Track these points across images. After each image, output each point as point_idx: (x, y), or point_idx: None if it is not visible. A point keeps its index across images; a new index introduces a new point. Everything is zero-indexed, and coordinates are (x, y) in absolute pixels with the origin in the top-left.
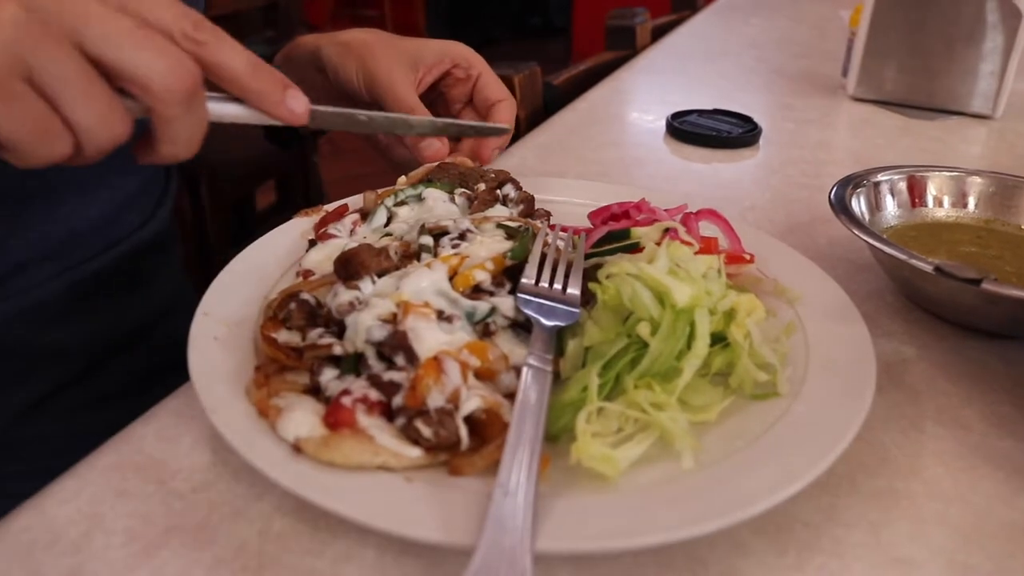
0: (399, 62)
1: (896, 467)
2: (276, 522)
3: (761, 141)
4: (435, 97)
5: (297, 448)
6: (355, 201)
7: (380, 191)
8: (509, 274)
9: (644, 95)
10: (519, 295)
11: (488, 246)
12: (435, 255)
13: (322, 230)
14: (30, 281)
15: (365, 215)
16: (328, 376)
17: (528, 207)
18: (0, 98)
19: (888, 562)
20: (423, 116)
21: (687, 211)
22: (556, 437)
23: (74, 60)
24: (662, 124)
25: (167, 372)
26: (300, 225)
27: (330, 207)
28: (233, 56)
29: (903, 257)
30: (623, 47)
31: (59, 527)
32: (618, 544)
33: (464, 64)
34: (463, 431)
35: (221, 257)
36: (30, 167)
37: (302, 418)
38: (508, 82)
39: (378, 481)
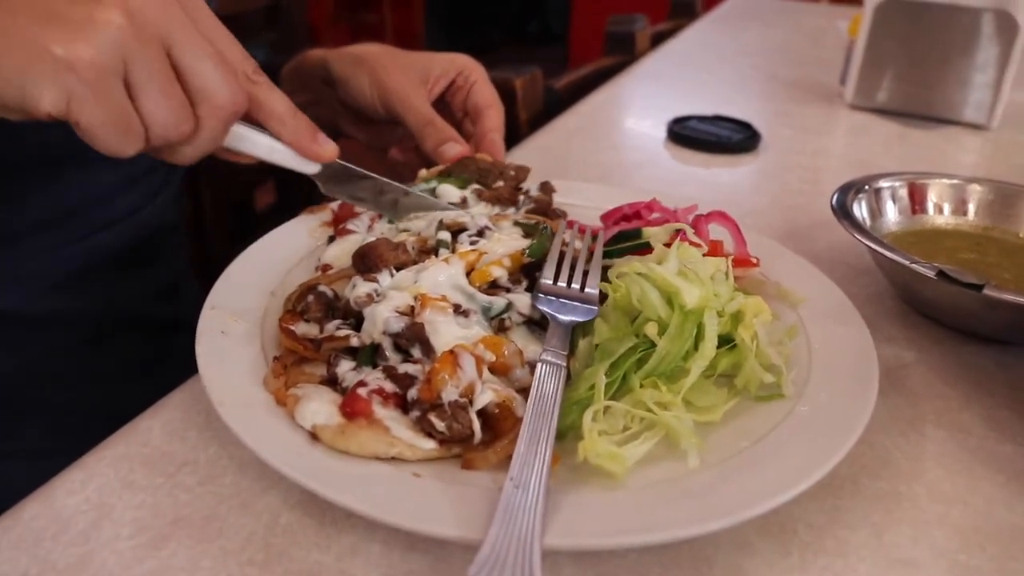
0: (411, 75)
1: (897, 470)
2: (283, 515)
3: (760, 147)
4: (441, 108)
5: (314, 436)
6: None
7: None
8: (526, 271)
9: (644, 100)
10: (538, 295)
11: (506, 243)
12: (452, 251)
13: (341, 226)
14: (24, 251)
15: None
16: (345, 367)
17: (540, 207)
18: (98, 94)
19: (891, 563)
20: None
21: (697, 213)
22: (563, 435)
23: (161, 61)
24: (662, 129)
25: (167, 358)
26: (306, 222)
27: (335, 204)
28: (278, 99)
29: (905, 262)
30: (623, 53)
31: (68, 517)
32: (623, 541)
33: (464, 73)
34: (476, 425)
35: (221, 256)
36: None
37: (319, 407)
38: (509, 85)
39: (387, 476)
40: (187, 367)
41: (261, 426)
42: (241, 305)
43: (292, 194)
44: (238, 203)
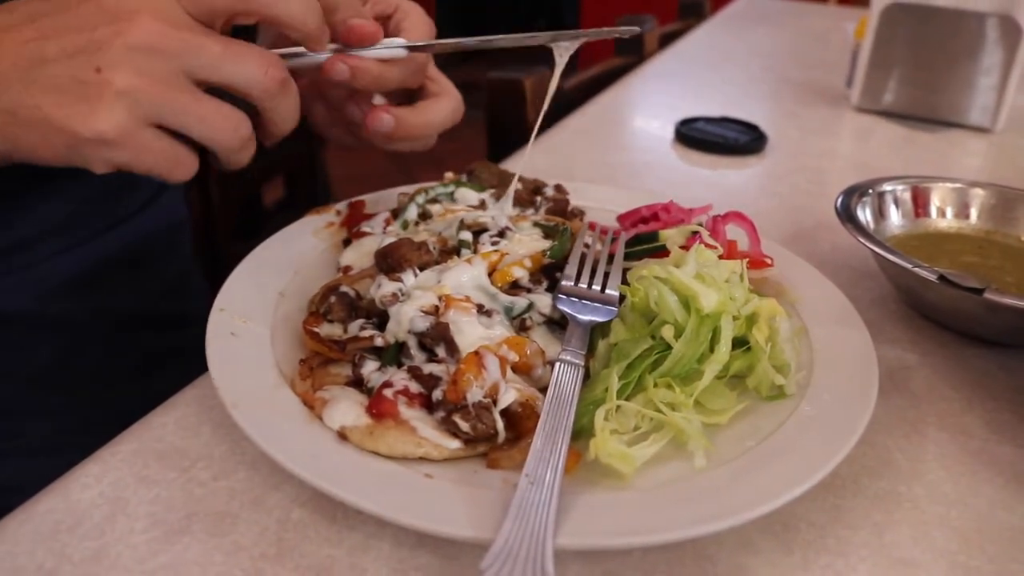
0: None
1: (899, 470)
2: (295, 511)
3: (766, 149)
4: None
5: (343, 436)
6: (370, 198)
7: (413, 189)
8: (546, 272)
9: (652, 101)
10: (559, 295)
11: (526, 244)
12: (474, 251)
13: (355, 228)
14: (34, 256)
15: (396, 214)
16: (370, 368)
17: (558, 206)
18: (139, 150)
19: (892, 563)
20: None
21: (714, 214)
22: (579, 435)
23: (186, 96)
24: (670, 130)
25: (174, 356)
26: (312, 223)
27: (339, 206)
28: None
29: (908, 266)
30: (631, 53)
31: (83, 510)
32: (632, 541)
33: (401, 13)
34: (500, 424)
35: (228, 250)
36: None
37: (347, 408)
38: (519, 85)
39: (401, 477)
40: (196, 363)
41: (276, 428)
42: (249, 307)
43: (299, 190)
44: (246, 199)
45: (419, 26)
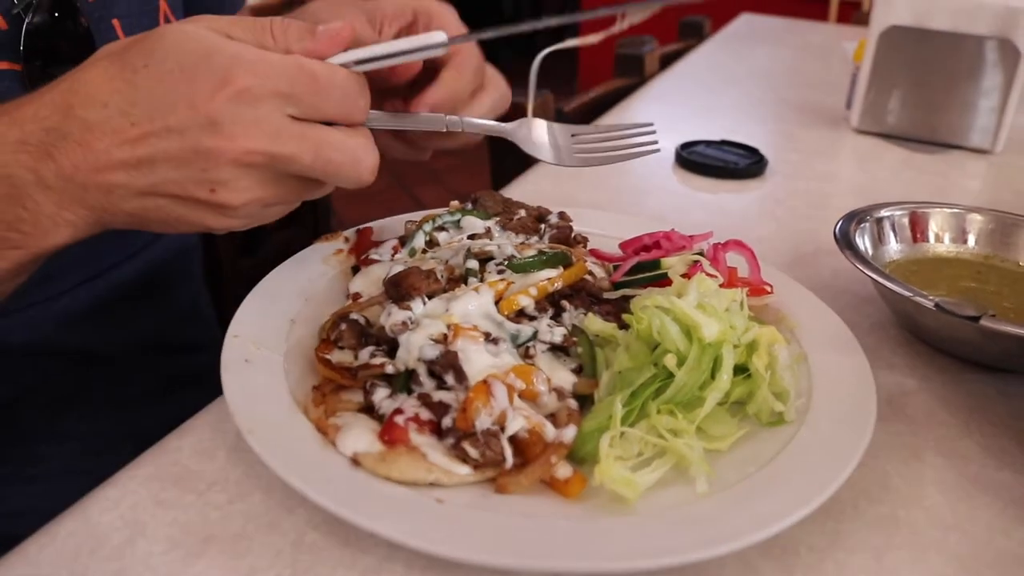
0: (354, 17)
1: (897, 495)
2: (309, 534)
3: (767, 172)
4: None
5: (356, 462)
6: (378, 225)
7: (421, 217)
8: (551, 300)
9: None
10: None
11: (532, 273)
12: (481, 279)
13: (364, 256)
14: (55, 290)
15: (404, 241)
16: (381, 395)
17: (561, 233)
18: (263, 218)
19: None
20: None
21: (715, 242)
22: (583, 461)
23: (303, 151)
24: (671, 153)
25: (188, 380)
26: (320, 250)
27: (348, 232)
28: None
29: (906, 293)
30: (632, 75)
31: (103, 533)
32: (636, 565)
33: (425, 17)
34: (508, 451)
35: (230, 267)
36: None
37: (360, 434)
38: (521, 109)
39: (412, 502)
40: (210, 387)
41: (291, 454)
42: (263, 333)
43: (301, 206)
44: None
45: (451, 24)
